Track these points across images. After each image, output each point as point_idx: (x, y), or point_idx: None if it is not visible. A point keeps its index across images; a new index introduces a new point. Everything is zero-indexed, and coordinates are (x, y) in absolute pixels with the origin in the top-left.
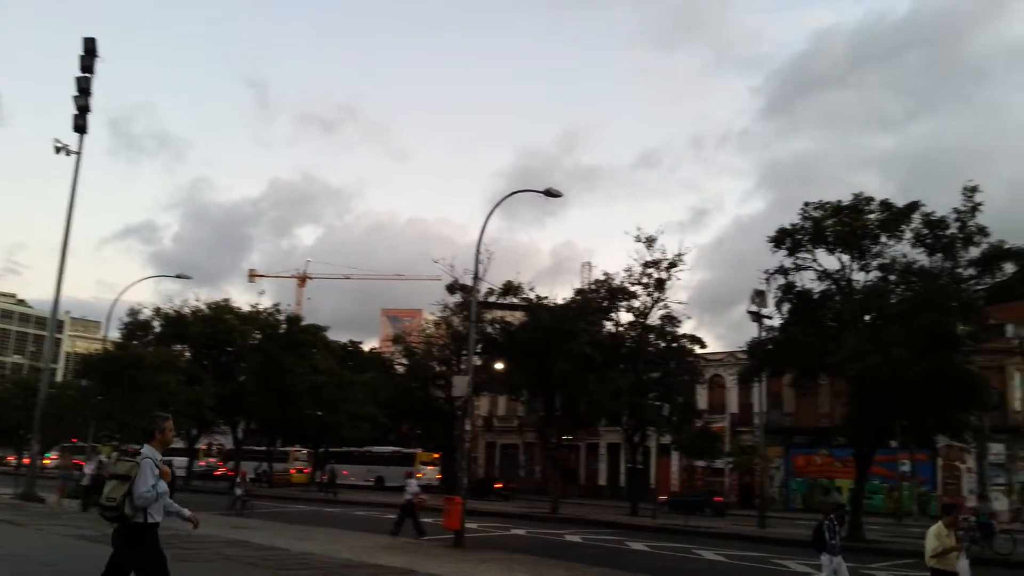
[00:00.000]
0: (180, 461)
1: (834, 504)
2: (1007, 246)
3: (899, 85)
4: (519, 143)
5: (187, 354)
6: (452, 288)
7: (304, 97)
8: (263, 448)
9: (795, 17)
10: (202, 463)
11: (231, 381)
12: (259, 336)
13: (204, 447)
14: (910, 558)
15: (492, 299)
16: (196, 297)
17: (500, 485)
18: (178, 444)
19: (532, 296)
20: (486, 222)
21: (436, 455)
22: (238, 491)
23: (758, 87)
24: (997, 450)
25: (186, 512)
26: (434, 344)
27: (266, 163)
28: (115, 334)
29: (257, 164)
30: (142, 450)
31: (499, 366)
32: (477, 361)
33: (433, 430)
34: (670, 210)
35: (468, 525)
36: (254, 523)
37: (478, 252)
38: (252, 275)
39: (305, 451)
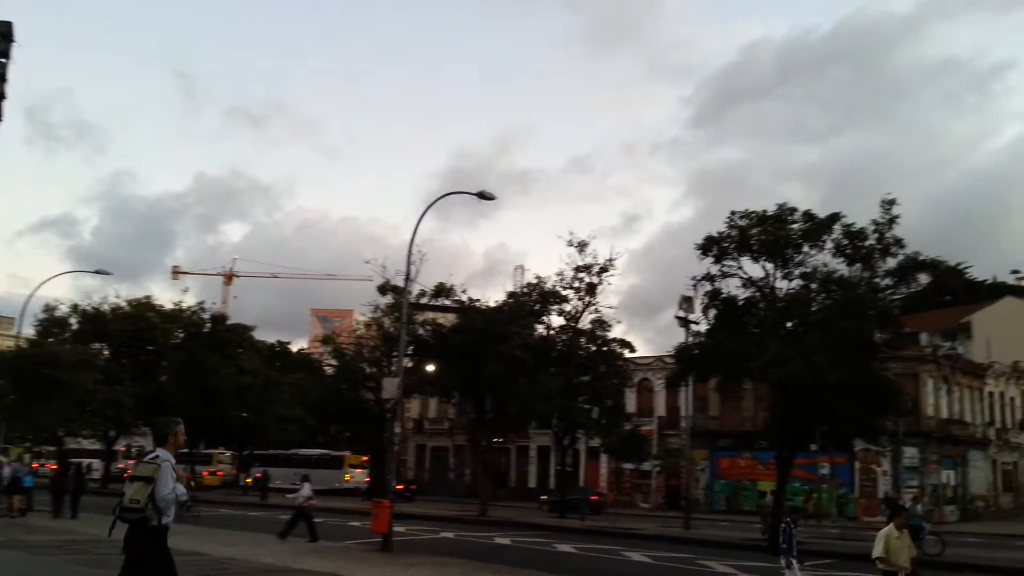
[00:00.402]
0: (97, 464)
1: (793, 508)
2: (922, 257)
3: (823, 99)
4: (453, 144)
5: (106, 353)
6: (383, 289)
7: (232, 90)
8: (186, 451)
9: (724, 29)
10: (120, 466)
11: (152, 381)
12: (182, 335)
13: (123, 449)
14: (829, 558)
15: (424, 301)
16: (116, 294)
17: (401, 487)
18: (95, 446)
19: (464, 298)
20: (418, 223)
21: (365, 458)
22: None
23: (688, 97)
24: (911, 454)
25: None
26: (364, 345)
27: (192, 157)
28: (29, 331)
29: (182, 158)
30: (158, 453)
31: (430, 368)
32: (408, 363)
33: (362, 432)
34: (602, 215)
35: (396, 528)
36: (180, 528)
37: (410, 253)
38: (176, 272)
39: (229, 454)
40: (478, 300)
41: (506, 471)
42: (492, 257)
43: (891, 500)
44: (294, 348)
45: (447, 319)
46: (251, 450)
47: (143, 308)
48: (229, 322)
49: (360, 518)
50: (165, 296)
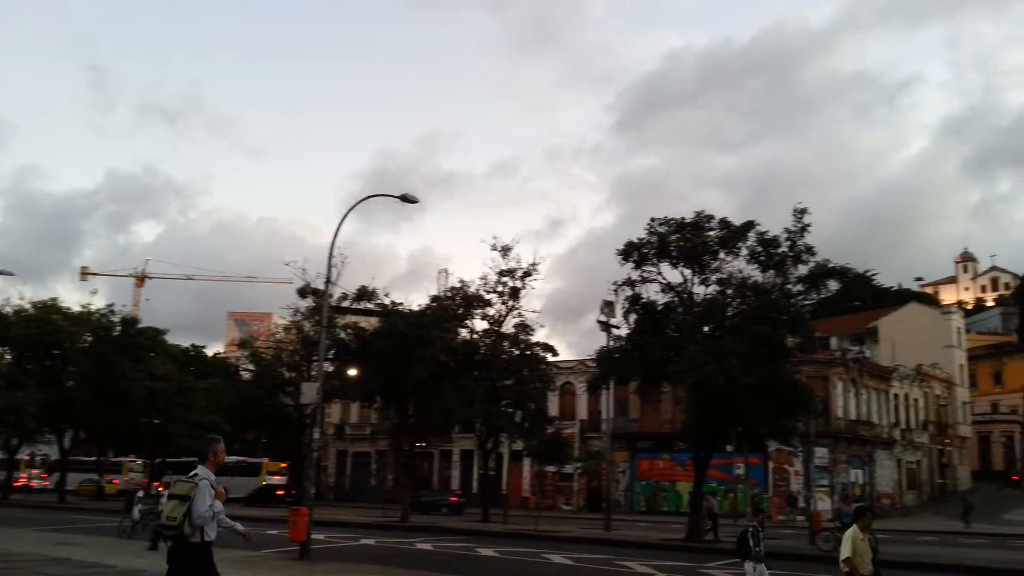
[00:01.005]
0: None
1: (757, 511)
2: (832, 265)
3: (742, 109)
4: (377, 145)
5: (8, 357)
6: (304, 292)
7: (146, 85)
8: (93, 459)
9: (647, 37)
10: (23, 476)
11: (58, 387)
12: (90, 339)
13: (27, 458)
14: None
15: (346, 304)
16: (20, 295)
17: (282, 492)
18: None
19: (387, 302)
20: (340, 225)
21: (284, 464)
22: (138, 509)
23: (611, 103)
24: (821, 454)
25: (239, 527)
26: (284, 349)
27: (103, 153)
28: None
29: (93, 154)
30: (197, 471)
31: (352, 372)
32: (329, 367)
33: (281, 439)
34: (527, 219)
35: (315, 536)
36: (80, 539)
37: (331, 255)
38: (84, 273)
39: (140, 462)
40: (401, 304)
41: (429, 476)
42: (416, 260)
43: (855, 502)
44: (210, 352)
45: (369, 323)
46: (163, 458)
47: (49, 310)
48: (140, 325)
49: (278, 526)
50: (73, 298)
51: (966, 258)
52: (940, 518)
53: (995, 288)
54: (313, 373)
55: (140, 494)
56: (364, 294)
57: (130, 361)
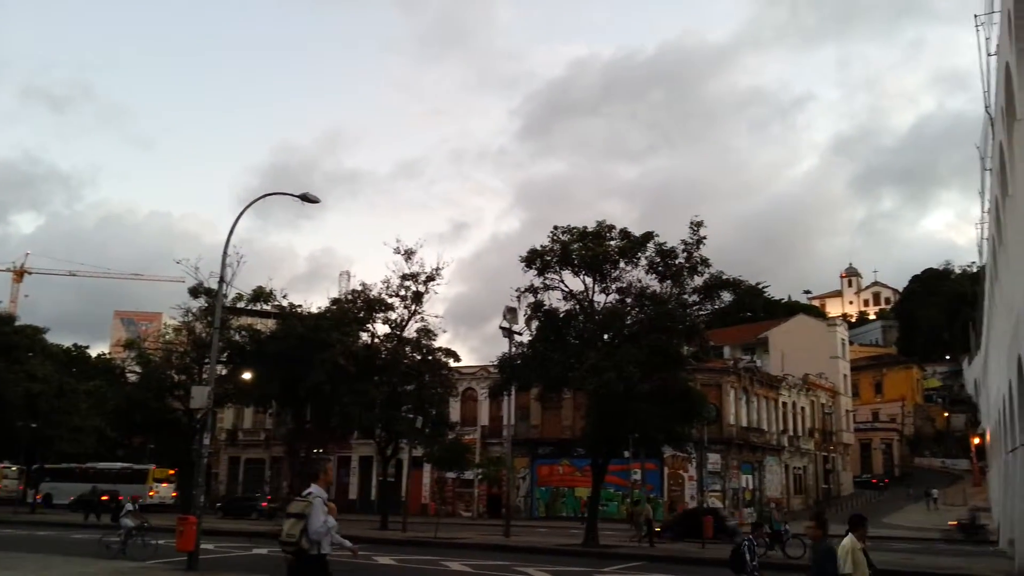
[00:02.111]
0: None
1: (755, 524)
2: (725, 276)
3: (644, 119)
4: (277, 139)
5: None
6: (196, 291)
7: (30, 68)
8: None
9: (553, 44)
10: None
11: None
12: None
13: None
14: (638, 560)
15: (241, 305)
16: None
17: (107, 498)
18: None
19: (285, 304)
20: (235, 223)
21: (172, 471)
22: (127, 523)
23: (516, 108)
24: (714, 459)
25: (347, 543)
26: (174, 351)
27: None
28: None
29: None
30: (311, 490)
31: (246, 376)
32: (221, 370)
33: (169, 444)
34: (431, 222)
35: (205, 546)
36: (56, 561)
37: (225, 254)
38: None
39: (16, 468)
40: (300, 306)
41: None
42: (316, 261)
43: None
44: (93, 353)
45: (266, 325)
46: (41, 464)
47: None
48: (18, 323)
49: (165, 535)
50: None
51: (850, 273)
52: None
53: (877, 302)
54: (204, 376)
55: (130, 507)
56: (260, 295)
57: (6, 361)
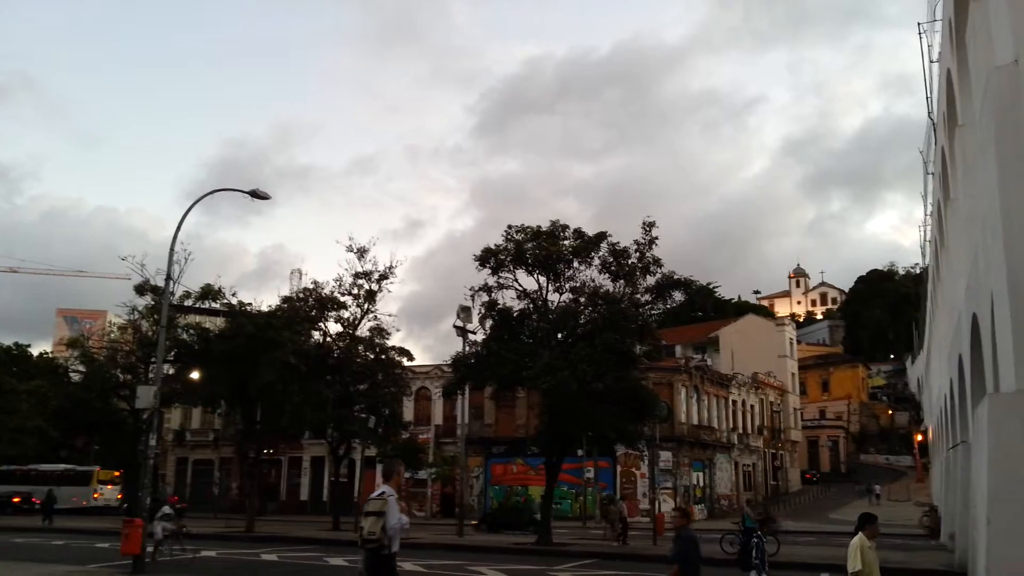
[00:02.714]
0: None
1: (765, 518)
2: (677, 276)
3: (599, 118)
4: (227, 132)
5: None
6: (142, 289)
7: None
8: None
9: (509, 43)
10: None
11: None
12: None
13: None
14: (590, 559)
15: (189, 303)
16: None
17: (19, 500)
18: None
19: (234, 302)
20: (183, 219)
21: (117, 473)
22: (159, 528)
23: (472, 105)
24: (665, 457)
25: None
26: (119, 350)
27: None
28: None
29: None
30: (384, 490)
31: (194, 375)
32: (168, 370)
33: (115, 445)
34: (385, 219)
35: (151, 548)
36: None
37: (172, 250)
38: None
39: None
40: (250, 304)
41: (276, 484)
42: (267, 258)
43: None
44: (35, 351)
45: (214, 323)
46: None
47: None
48: None
49: (110, 538)
50: None
51: (798, 274)
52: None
53: (824, 303)
54: (151, 376)
55: (166, 510)
56: (209, 293)
57: None
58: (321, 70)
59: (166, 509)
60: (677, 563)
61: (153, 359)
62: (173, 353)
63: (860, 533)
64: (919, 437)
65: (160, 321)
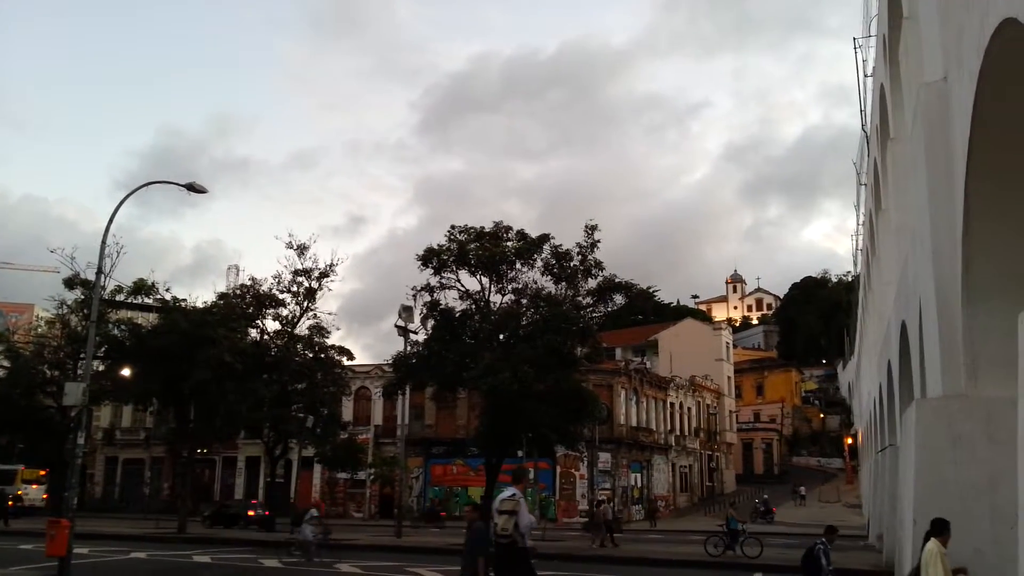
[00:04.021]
0: None
1: (828, 527)
2: (618, 280)
3: (544, 119)
4: (161, 121)
5: None
6: (72, 282)
7: None
8: None
9: (455, 36)
10: None
11: None
12: None
13: None
14: (531, 558)
15: (120, 298)
16: None
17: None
18: None
19: (168, 297)
20: (115, 211)
21: (43, 472)
22: (309, 531)
23: (415, 101)
24: (604, 458)
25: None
26: (46, 345)
27: None
28: None
29: None
30: (515, 492)
31: (126, 372)
32: (99, 366)
33: (40, 444)
34: (326, 214)
35: (78, 550)
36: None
37: (104, 243)
38: None
39: None
40: (184, 300)
41: (210, 484)
42: (203, 253)
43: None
44: None
45: (147, 319)
46: None
47: None
48: None
49: (34, 540)
50: None
51: (735, 279)
52: (708, 518)
53: (760, 308)
54: (80, 372)
55: (314, 512)
56: (142, 288)
57: None
58: (261, 61)
59: (314, 512)
60: (479, 555)
61: (82, 355)
62: (103, 349)
63: (935, 539)
64: (849, 440)
65: (90, 316)
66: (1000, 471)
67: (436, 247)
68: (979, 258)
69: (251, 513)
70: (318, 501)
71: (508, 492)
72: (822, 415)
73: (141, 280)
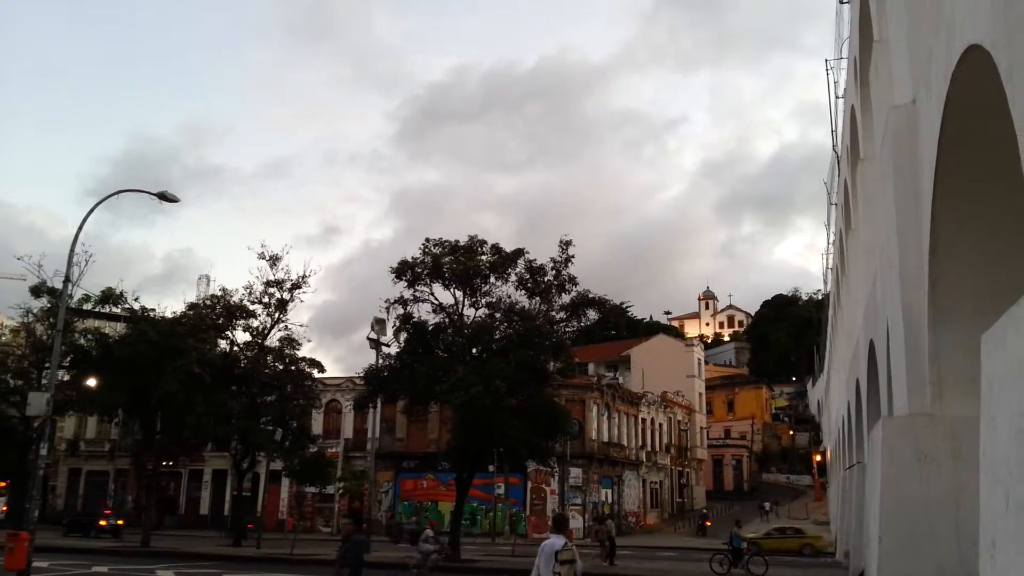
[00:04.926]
0: None
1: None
2: (592, 295)
3: (522, 132)
4: (133, 128)
5: None
6: (38, 290)
7: None
8: None
9: (434, 47)
10: None
11: None
12: None
13: None
14: (500, 575)
15: (88, 307)
16: None
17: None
18: None
19: (136, 306)
20: (85, 220)
21: (3, 483)
22: (429, 547)
23: (393, 111)
24: (575, 474)
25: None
26: (10, 354)
27: None
28: None
29: None
30: (566, 542)
31: (91, 383)
32: (64, 376)
33: (1, 454)
34: (300, 225)
35: (38, 564)
36: None
37: (73, 251)
38: None
39: None
40: (153, 309)
41: (175, 497)
42: (174, 262)
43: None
44: None
45: (115, 329)
46: None
47: None
48: None
49: None
50: None
51: (708, 296)
52: (678, 534)
53: (731, 325)
54: (44, 381)
55: (430, 532)
56: (110, 297)
57: None
58: (235, 68)
59: (429, 533)
60: (347, 567)
61: (47, 364)
62: (69, 359)
63: None
64: (818, 457)
65: (57, 325)
66: (964, 488)
67: (410, 260)
68: (945, 279)
69: (103, 523)
70: (433, 522)
71: (560, 541)
72: (792, 432)
73: (109, 289)
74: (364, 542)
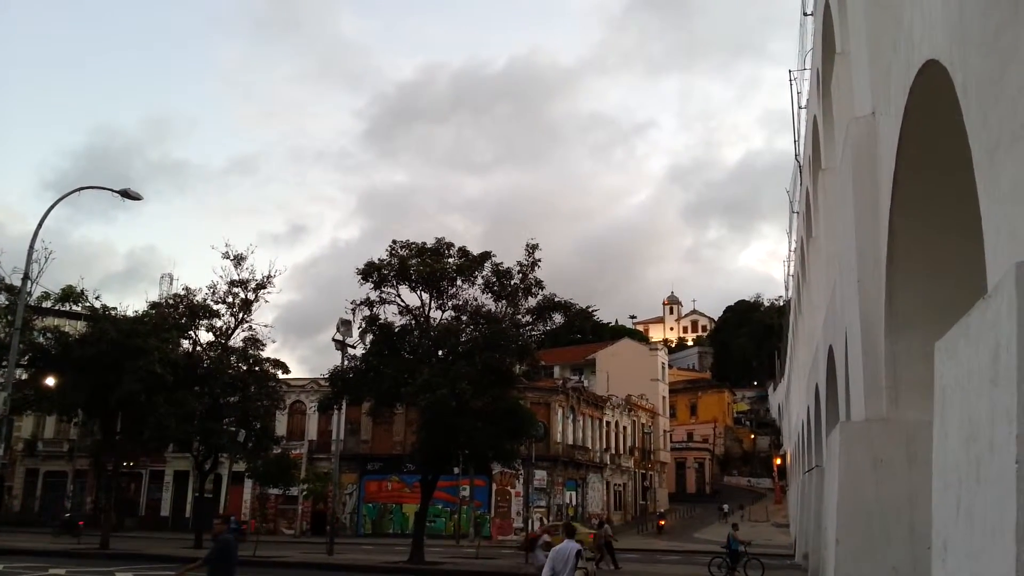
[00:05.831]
0: None
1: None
2: (558, 299)
3: (490, 133)
4: (95, 120)
5: None
6: None
7: None
8: None
9: (403, 46)
10: None
11: None
12: None
13: None
14: None
15: (47, 304)
16: None
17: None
18: None
19: (97, 305)
20: (44, 216)
21: None
22: (542, 556)
23: (360, 110)
24: (540, 476)
25: None
26: None
27: None
28: None
29: None
30: (579, 547)
31: (50, 382)
32: (22, 375)
33: None
34: (266, 223)
35: None
36: None
37: (32, 248)
38: None
39: None
40: (114, 308)
41: (135, 498)
42: (136, 259)
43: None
44: None
45: (75, 327)
46: None
47: None
48: None
49: None
50: None
51: (672, 301)
52: (640, 537)
53: (695, 330)
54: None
55: (546, 539)
56: (70, 295)
57: None
58: (200, 62)
59: (546, 538)
60: (208, 564)
61: (4, 363)
62: (27, 357)
63: None
64: (778, 461)
65: (15, 323)
66: (918, 492)
67: (377, 261)
68: (901, 288)
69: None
70: (549, 530)
71: (575, 547)
72: (753, 436)
73: (69, 287)
74: (231, 541)
